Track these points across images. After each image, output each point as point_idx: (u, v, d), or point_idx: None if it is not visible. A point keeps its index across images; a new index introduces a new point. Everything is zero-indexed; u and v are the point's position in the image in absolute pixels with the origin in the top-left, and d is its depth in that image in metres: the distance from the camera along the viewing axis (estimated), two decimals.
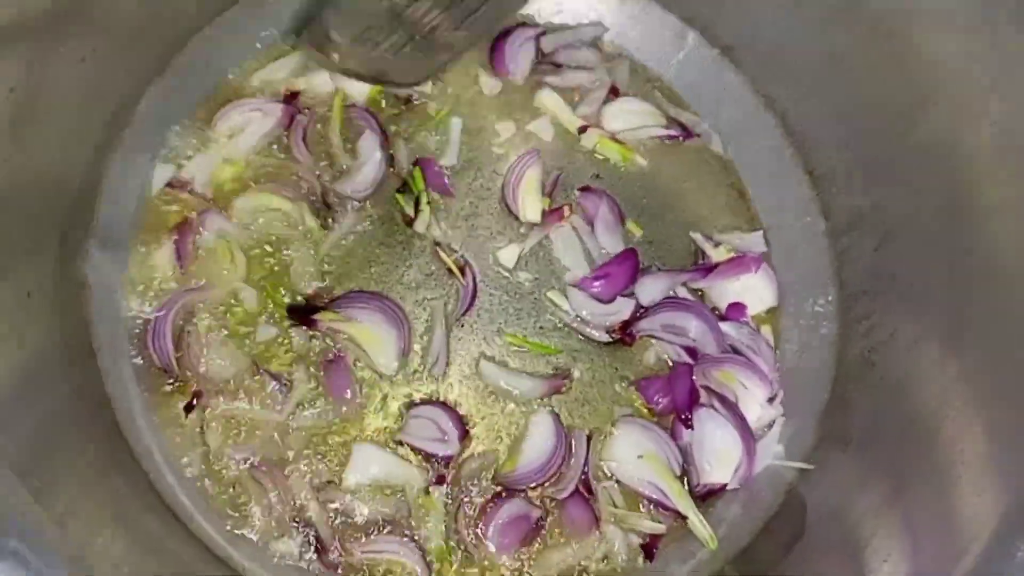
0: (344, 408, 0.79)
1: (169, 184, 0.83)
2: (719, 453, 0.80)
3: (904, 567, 0.58)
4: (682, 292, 0.87)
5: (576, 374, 0.83)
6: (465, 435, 0.80)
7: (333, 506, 0.76)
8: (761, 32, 0.89)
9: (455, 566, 0.76)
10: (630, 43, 0.97)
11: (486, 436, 0.80)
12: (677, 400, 0.82)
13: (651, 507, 0.80)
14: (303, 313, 0.81)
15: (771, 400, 0.83)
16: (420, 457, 0.79)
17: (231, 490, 0.76)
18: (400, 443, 0.79)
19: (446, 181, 0.88)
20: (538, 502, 0.79)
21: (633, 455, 0.80)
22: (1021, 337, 0.61)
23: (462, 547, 0.77)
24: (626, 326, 0.85)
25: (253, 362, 0.79)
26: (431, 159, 0.89)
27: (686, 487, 0.80)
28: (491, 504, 0.78)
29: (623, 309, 0.85)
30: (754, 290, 0.88)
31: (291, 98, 0.88)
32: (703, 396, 0.83)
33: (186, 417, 0.77)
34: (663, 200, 0.92)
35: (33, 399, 0.60)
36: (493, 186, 0.89)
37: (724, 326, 0.85)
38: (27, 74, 0.63)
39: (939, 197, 0.73)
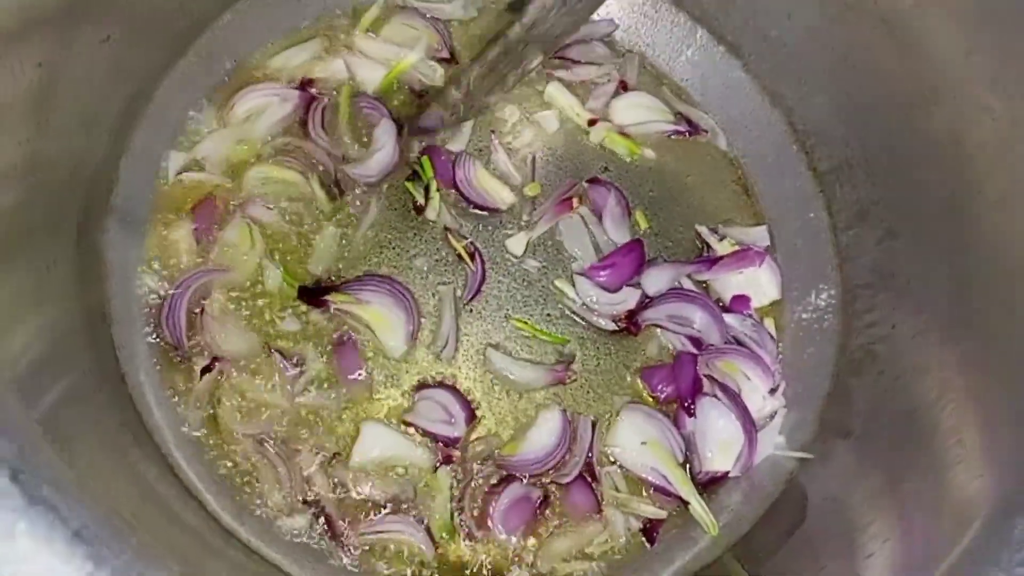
0: (353, 389, 0.81)
1: (186, 167, 0.85)
2: (721, 442, 0.81)
3: (903, 549, 0.59)
4: (687, 284, 0.88)
5: (581, 361, 0.85)
6: (472, 418, 0.81)
7: (340, 484, 0.77)
8: (768, 30, 0.91)
9: (460, 546, 0.77)
10: (640, 40, 0.99)
11: (492, 420, 0.82)
12: (681, 389, 0.83)
13: (653, 493, 0.81)
14: (314, 295, 0.82)
15: (773, 391, 0.85)
16: (427, 438, 0.80)
17: (240, 466, 0.77)
18: (408, 424, 0.80)
19: (452, 173, 0.89)
20: (539, 485, 0.80)
21: (637, 442, 0.81)
22: (1021, 329, 0.62)
23: (466, 527, 0.78)
24: (631, 315, 0.86)
25: (265, 342, 0.80)
26: (439, 148, 0.90)
27: (688, 474, 0.81)
28: (494, 488, 0.79)
29: (629, 298, 0.86)
30: (758, 283, 0.89)
31: (308, 84, 0.90)
32: (706, 385, 0.84)
33: (200, 379, 0.78)
34: (669, 194, 0.93)
35: (53, 370, 0.61)
36: None
37: (728, 318, 0.87)
38: (51, 54, 0.64)
39: (942, 192, 0.74)
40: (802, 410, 0.84)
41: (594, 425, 0.82)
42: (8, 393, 0.43)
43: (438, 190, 0.88)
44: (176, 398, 0.78)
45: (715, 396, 0.83)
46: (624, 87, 0.97)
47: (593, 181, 0.92)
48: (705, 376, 0.84)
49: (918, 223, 0.78)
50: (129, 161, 0.81)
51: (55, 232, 0.68)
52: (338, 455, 0.78)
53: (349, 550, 0.76)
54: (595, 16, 0.99)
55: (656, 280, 0.87)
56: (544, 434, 0.81)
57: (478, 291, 0.85)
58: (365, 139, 0.89)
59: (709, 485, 0.82)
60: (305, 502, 0.77)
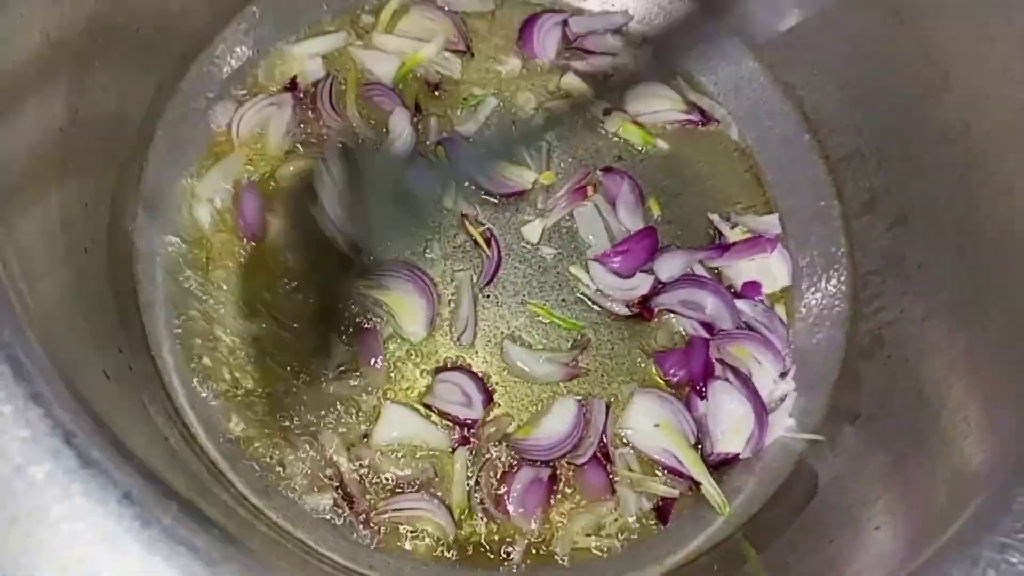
0: (373, 373, 0.83)
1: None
2: (732, 424, 0.83)
3: (909, 521, 0.61)
4: (699, 270, 0.90)
5: (595, 346, 0.86)
6: (489, 400, 0.83)
7: (362, 463, 0.80)
8: (780, 21, 0.92)
9: (479, 525, 0.79)
10: (654, 30, 1.00)
11: (508, 404, 0.84)
12: (693, 372, 0.85)
13: (666, 474, 0.83)
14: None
15: (783, 375, 0.87)
16: (446, 421, 0.82)
17: (264, 447, 0.80)
18: (427, 407, 0.82)
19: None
20: (551, 465, 0.82)
21: (650, 424, 0.83)
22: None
23: (483, 507, 0.80)
24: (645, 300, 0.88)
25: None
26: (455, 138, 0.92)
27: (700, 456, 0.83)
28: (509, 470, 0.81)
29: (642, 284, 0.88)
30: (769, 270, 0.91)
31: (294, 86, 0.91)
32: (718, 369, 0.86)
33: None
34: (682, 182, 0.95)
35: (90, 350, 0.63)
36: None
37: (739, 304, 0.88)
38: (83, 46, 0.67)
39: (951, 179, 0.76)
40: (812, 393, 0.86)
41: (608, 408, 0.84)
42: (55, 368, 0.45)
43: (455, 178, 0.90)
44: (201, 381, 0.80)
45: (727, 380, 0.85)
46: (638, 77, 0.99)
47: (607, 170, 0.93)
48: (717, 360, 0.86)
49: (927, 210, 0.79)
50: (155, 152, 0.83)
51: (91, 213, 0.70)
52: (364, 436, 0.80)
53: (372, 527, 0.78)
54: (610, 7, 1.01)
55: (669, 266, 0.89)
56: (557, 422, 0.83)
57: (494, 276, 0.87)
58: (374, 123, 0.91)
59: (720, 466, 0.83)
60: (329, 480, 0.79)
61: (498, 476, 0.81)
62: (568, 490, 0.81)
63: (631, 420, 0.84)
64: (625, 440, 0.84)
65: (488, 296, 0.87)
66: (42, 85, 0.61)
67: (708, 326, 0.87)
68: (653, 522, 0.82)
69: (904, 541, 0.59)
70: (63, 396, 0.43)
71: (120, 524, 0.40)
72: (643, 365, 0.87)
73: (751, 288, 0.90)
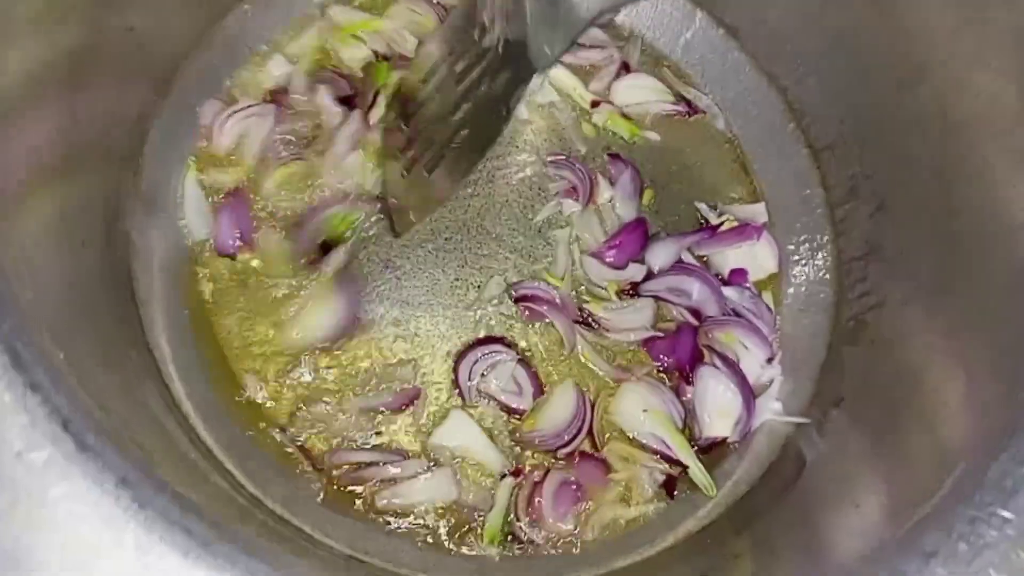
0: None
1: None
2: (720, 408, 0.85)
3: (889, 498, 0.63)
4: (687, 259, 0.91)
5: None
6: (540, 392, 0.85)
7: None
8: (765, 13, 0.94)
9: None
10: (641, 23, 1.02)
11: None
12: (681, 358, 0.87)
13: (656, 459, 0.85)
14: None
15: (770, 360, 0.88)
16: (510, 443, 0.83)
17: (265, 434, 0.81)
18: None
19: None
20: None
21: (638, 410, 0.85)
22: (1001, 291, 0.65)
23: (522, 533, 0.80)
24: (634, 288, 0.90)
25: None
26: None
27: (688, 440, 0.84)
28: (538, 484, 0.82)
29: (635, 274, 0.90)
30: (756, 257, 0.92)
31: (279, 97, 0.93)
32: (706, 355, 0.87)
33: None
34: (669, 172, 0.97)
35: (86, 343, 0.65)
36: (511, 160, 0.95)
37: (727, 290, 0.90)
38: (79, 43, 0.68)
39: (929, 166, 0.77)
40: (798, 378, 0.87)
41: (596, 397, 0.85)
42: (54, 355, 0.47)
43: None
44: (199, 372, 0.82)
45: (714, 365, 0.87)
46: (626, 69, 1.00)
47: (613, 156, 0.96)
48: (704, 346, 0.88)
49: (907, 196, 0.81)
50: (151, 149, 0.85)
51: (88, 210, 0.72)
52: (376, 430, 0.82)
53: (371, 513, 0.79)
54: None
55: (660, 255, 0.90)
56: (560, 409, 0.84)
57: None
58: None
59: (709, 450, 0.85)
60: (323, 470, 0.80)
61: (529, 493, 0.82)
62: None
63: (620, 406, 0.85)
64: (614, 427, 0.85)
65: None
66: (42, 87, 0.63)
67: (696, 313, 0.89)
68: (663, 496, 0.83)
69: (884, 517, 0.61)
70: (61, 384, 0.45)
71: (118, 505, 0.41)
72: (631, 352, 0.88)
73: (738, 275, 0.92)
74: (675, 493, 0.83)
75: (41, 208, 0.62)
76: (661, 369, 0.88)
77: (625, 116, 0.98)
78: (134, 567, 0.40)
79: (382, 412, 0.83)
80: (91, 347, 0.65)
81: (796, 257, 0.93)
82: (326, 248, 0.87)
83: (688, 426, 0.86)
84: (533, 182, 0.94)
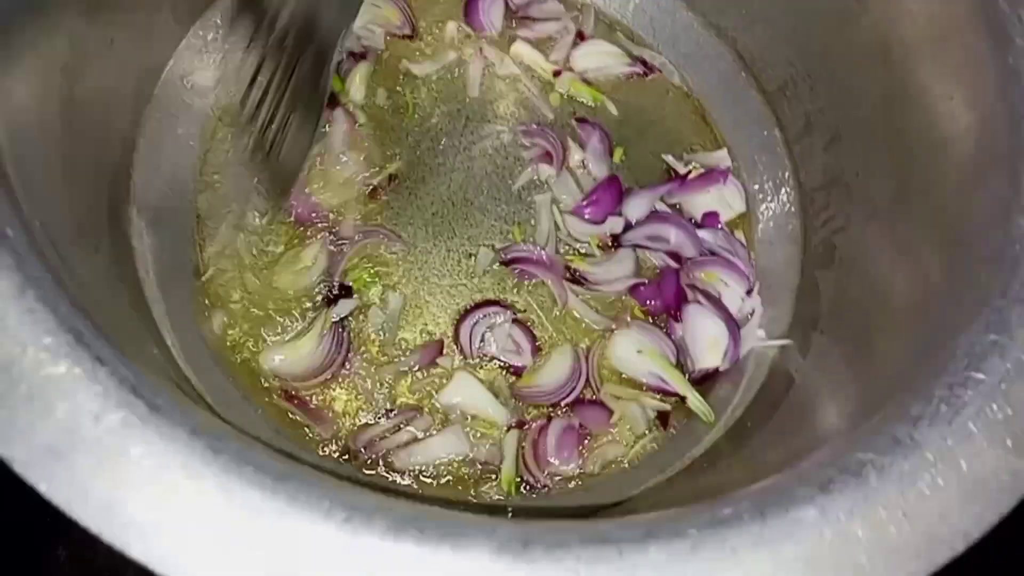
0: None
1: None
2: (709, 341, 0.91)
3: (862, 402, 0.68)
4: (661, 207, 0.97)
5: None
6: (538, 351, 0.90)
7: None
8: None
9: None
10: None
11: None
12: (667, 300, 0.92)
13: (655, 396, 0.90)
14: None
15: (749, 292, 0.94)
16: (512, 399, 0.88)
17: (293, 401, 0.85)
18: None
19: None
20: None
21: (633, 351, 0.90)
22: (948, 194, 0.72)
23: (529, 479, 0.85)
24: (615, 240, 0.95)
25: None
26: None
27: (683, 373, 0.90)
28: (541, 432, 0.87)
29: (614, 226, 0.95)
30: (725, 200, 0.98)
31: None
32: (689, 294, 0.93)
33: None
34: (634, 130, 1.02)
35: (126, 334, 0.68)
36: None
37: (702, 233, 0.96)
38: (70, 56, 0.71)
39: (876, 93, 0.83)
40: (777, 305, 0.93)
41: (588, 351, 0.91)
42: (103, 344, 0.50)
43: None
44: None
45: (698, 303, 0.92)
46: (581, 37, 1.06)
47: (581, 120, 1.01)
48: (687, 286, 0.94)
49: (858, 124, 0.87)
50: (141, 155, 0.88)
51: (93, 218, 0.75)
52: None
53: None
54: None
55: (636, 207, 0.96)
56: (558, 368, 0.90)
57: None
58: None
59: (702, 381, 0.91)
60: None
61: (533, 442, 0.87)
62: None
63: (615, 350, 0.91)
64: (610, 370, 0.91)
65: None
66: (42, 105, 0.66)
67: (676, 256, 0.95)
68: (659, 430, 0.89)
69: (856, 412, 0.67)
70: (121, 359, 0.49)
71: (194, 454, 0.45)
72: (621, 300, 0.94)
73: (710, 218, 0.98)
74: (670, 423, 0.89)
75: (60, 213, 0.65)
76: (650, 312, 0.93)
77: (587, 81, 1.03)
78: (219, 507, 0.44)
79: (409, 371, 0.87)
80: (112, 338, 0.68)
81: (762, 195, 0.99)
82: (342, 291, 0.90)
83: (680, 362, 0.91)
84: (509, 151, 0.99)
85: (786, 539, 0.47)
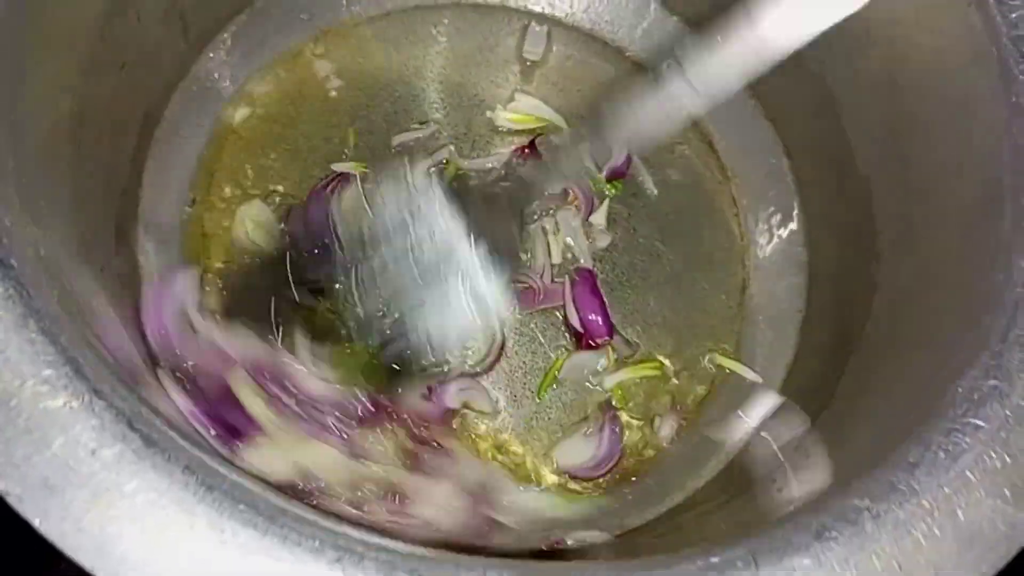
0: None
1: None
2: None
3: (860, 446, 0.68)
4: None
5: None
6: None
7: None
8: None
9: None
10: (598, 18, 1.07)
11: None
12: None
13: None
14: None
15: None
16: None
17: None
18: None
19: None
20: None
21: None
22: (955, 239, 0.71)
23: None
24: None
25: None
26: None
27: None
28: None
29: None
30: None
31: None
32: None
33: None
34: None
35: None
36: None
37: None
38: (78, 84, 0.72)
39: (883, 124, 0.83)
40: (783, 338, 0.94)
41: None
42: (106, 363, 0.51)
43: None
44: None
45: None
46: None
47: None
48: None
49: (865, 156, 0.87)
50: (150, 174, 0.89)
51: (100, 239, 0.76)
52: None
53: None
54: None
55: None
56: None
57: None
58: None
59: None
60: None
61: None
62: None
63: None
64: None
65: None
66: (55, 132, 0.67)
67: None
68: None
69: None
70: (119, 391, 0.49)
71: (187, 490, 0.46)
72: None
73: None
74: None
75: (65, 238, 0.66)
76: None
77: None
78: (210, 544, 0.45)
79: None
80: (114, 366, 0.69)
81: (767, 225, 0.99)
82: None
83: None
84: None
85: None
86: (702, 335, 0.94)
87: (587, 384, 0.89)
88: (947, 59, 0.74)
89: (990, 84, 0.69)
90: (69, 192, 0.71)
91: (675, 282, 0.96)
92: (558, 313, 0.92)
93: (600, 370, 0.89)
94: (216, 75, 0.95)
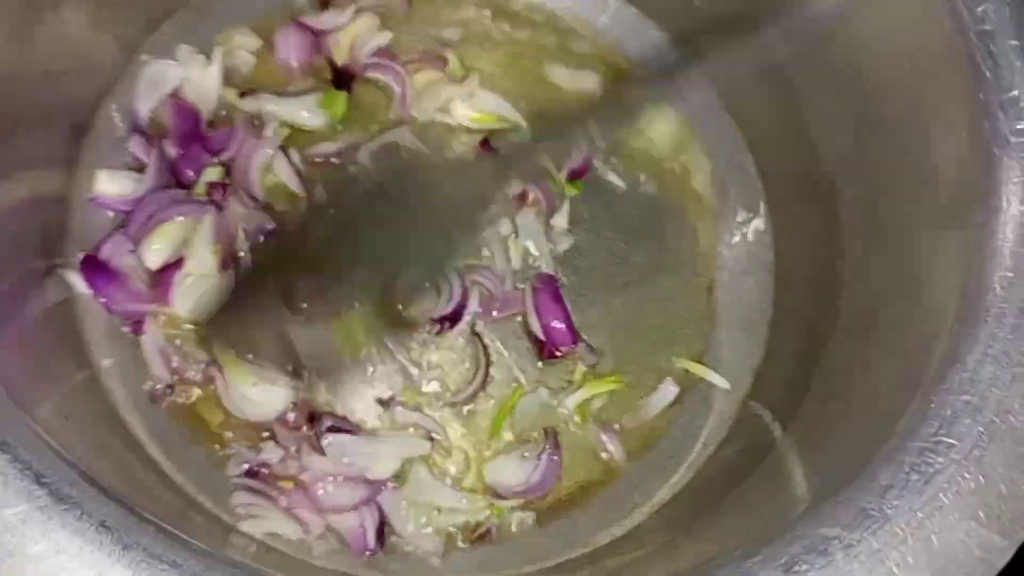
0: None
1: None
2: None
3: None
4: None
5: None
6: None
7: None
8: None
9: None
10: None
11: None
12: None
13: None
14: None
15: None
16: None
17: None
18: None
19: None
20: None
21: None
22: (925, 242, 0.69)
23: None
24: None
25: None
26: None
27: None
28: None
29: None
30: None
31: None
32: None
33: None
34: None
35: (47, 387, 0.64)
36: None
37: None
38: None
39: (851, 119, 0.81)
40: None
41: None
42: (20, 411, 0.47)
43: None
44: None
45: None
46: None
47: None
48: None
49: (833, 153, 0.84)
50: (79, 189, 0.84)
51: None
52: None
53: None
54: None
55: None
56: None
57: None
58: None
59: None
60: None
61: None
62: None
63: None
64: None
65: None
66: None
67: None
68: None
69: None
70: (27, 439, 0.45)
71: (102, 550, 0.42)
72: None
73: None
74: None
75: None
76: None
77: None
78: None
79: None
80: (49, 394, 0.64)
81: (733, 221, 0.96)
82: None
83: None
84: None
85: None
86: (669, 339, 0.91)
87: (549, 402, 0.86)
88: (913, 55, 0.72)
89: (957, 81, 0.67)
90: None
91: (640, 284, 0.93)
92: (519, 320, 0.89)
93: (562, 388, 0.87)
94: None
